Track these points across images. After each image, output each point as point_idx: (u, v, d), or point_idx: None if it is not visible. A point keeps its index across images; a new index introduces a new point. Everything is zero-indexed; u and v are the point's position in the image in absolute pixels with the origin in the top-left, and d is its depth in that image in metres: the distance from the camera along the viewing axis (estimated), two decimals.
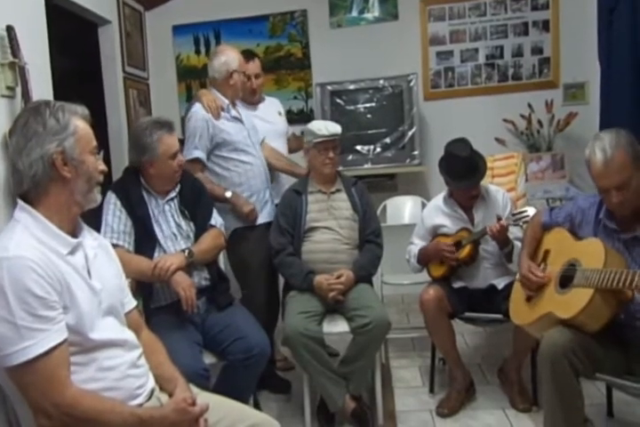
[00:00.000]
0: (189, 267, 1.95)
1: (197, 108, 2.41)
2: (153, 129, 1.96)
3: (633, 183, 1.62)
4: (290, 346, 2.12)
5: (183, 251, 1.94)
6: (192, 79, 4.13)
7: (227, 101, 2.48)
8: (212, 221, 2.14)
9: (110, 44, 3.55)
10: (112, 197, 1.98)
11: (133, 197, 1.99)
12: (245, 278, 2.41)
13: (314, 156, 2.40)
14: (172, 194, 2.06)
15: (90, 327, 1.17)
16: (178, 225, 2.03)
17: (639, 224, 1.69)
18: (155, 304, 1.95)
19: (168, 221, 2.02)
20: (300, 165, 2.72)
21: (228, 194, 2.39)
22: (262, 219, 2.49)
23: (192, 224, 2.07)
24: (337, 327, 2.23)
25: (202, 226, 2.09)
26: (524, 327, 1.92)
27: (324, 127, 2.36)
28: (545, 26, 3.79)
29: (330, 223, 2.37)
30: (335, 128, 2.37)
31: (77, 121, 1.23)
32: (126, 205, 1.96)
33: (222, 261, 2.32)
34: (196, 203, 2.12)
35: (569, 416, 1.69)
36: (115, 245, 1.87)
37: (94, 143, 1.27)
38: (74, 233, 1.26)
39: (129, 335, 1.31)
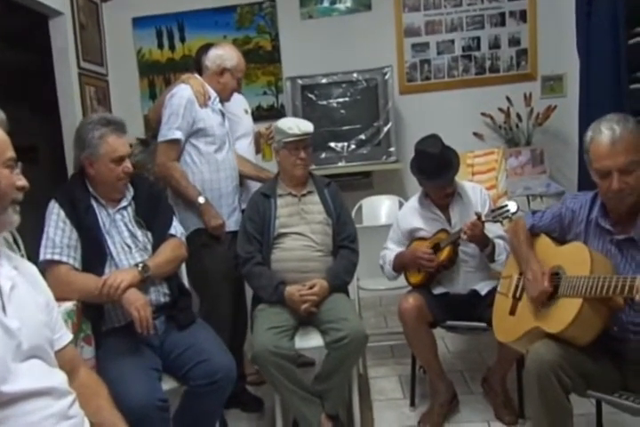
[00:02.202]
0: (145, 282, 1.76)
1: (184, 88, 2.23)
2: (97, 125, 1.77)
3: (637, 171, 1.50)
4: (259, 365, 1.96)
5: (137, 265, 1.75)
6: (155, 75, 3.91)
7: (214, 93, 2.31)
8: (172, 230, 1.96)
9: (63, 37, 3.30)
10: (55, 207, 1.77)
11: (80, 206, 1.78)
12: (206, 291, 2.23)
13: (284, 156, 2.24)
14: (124, 203, 1.87)
15: (2, 378, 0.97)
16: (133, 235, 1.84)
17: (633, 225, 1.57)
18: (106, 327, 1.76)
19: (120, 232, 1.83)
20: (267, 170, 2.55)
21: (201, 200, 2.22)
22: (229, 227, 2.31)
23: (149, 234, 1.89)
24: (310, 342, 2.08)
25: (160, 236, 1.91)
26: (509, 344, 1.79)
27: (295, 126, 2.19)
28: (522, 16, 3.68)
29: (301, 228, 2.21)
30: (307, 126, 2.21)
31: None
32: (71, 214, 1.76)
33: (184, 273, 2.13)
34: (154, 210, 1.93)
35: None
36: (58, 262, 1.70)
37: (10, 154, 1.06)
38: None
39: (59, 380, 1.11)
